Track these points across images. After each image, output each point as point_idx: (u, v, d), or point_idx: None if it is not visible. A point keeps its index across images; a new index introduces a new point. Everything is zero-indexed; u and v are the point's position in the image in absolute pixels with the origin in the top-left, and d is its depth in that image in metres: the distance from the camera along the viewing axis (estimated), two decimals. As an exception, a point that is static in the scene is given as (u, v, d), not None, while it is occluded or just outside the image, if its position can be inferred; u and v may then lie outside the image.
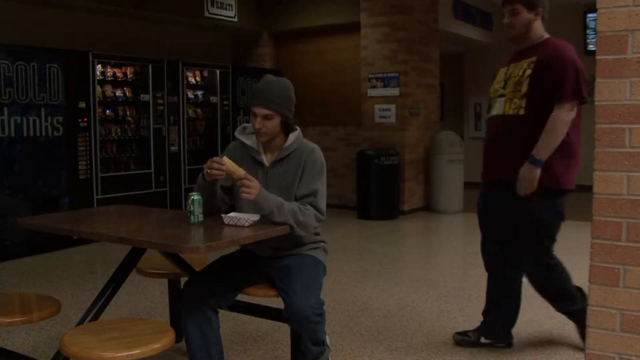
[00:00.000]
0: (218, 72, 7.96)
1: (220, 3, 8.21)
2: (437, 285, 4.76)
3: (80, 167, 6.25)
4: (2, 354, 2.87)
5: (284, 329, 3.58)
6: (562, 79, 2.90)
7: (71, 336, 2.23)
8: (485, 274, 5.09)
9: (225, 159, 2.63)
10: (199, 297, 2.67)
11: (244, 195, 2.56)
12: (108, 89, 6.74)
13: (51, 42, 6.35)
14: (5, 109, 5.60)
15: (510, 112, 3.04)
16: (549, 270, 3.22)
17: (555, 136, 2.91)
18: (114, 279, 2.74)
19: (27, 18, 6.69)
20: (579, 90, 2.91)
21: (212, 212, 2.77)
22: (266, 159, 2.78)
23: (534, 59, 3.00)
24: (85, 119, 6.28)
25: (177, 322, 3.49)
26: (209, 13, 8.05)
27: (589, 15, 10.24)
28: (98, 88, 6.49)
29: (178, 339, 3.46)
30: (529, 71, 2.99)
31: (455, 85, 12.26)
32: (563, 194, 3.08)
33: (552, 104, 2.93)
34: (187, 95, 7.58)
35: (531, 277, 3.29)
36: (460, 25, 9.55)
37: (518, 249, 3.21)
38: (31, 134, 5.80)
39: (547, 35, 3.10)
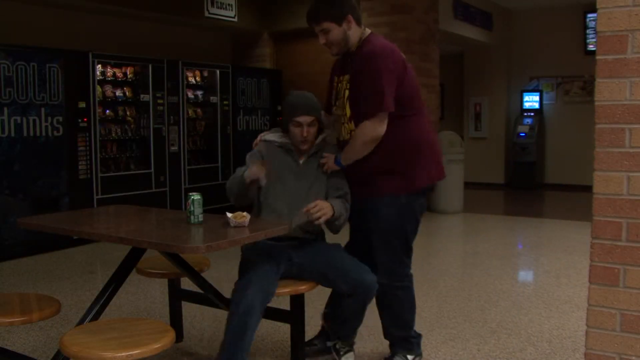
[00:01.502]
0: (218, 72, 7.96)
1: (220, 3, 8.21)
2: (437, 285, 4.76)
3: (80, 167, 6.25)
4: (2, 354, 2.87)
5: (284, 329, 3.58)
6: (368, 93, 2.76)
7: (71, 336, 2.23)
8: (486, 274, 5.10)
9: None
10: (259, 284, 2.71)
11: (322, 219, 2.75)
12: (108, 89, 6.74)
13: (51, 42, 6.35)
14: (5, 109, 5.59)
15: (347, 137, 2.90)
16: None
17: (355, 150, 2.82)
18: (114, 279, 2.74)
19: (27, 18, 6.69)
20: (380, 103, 2.74)
21: (243, 204, 2.95)
22: (298, 156, 3.00)
23: (347, 77, 2.88)
24: (85, 119, 6.28)
25: (177, 322, 3.50)
26: (209, 13, 8.05)
27: (589, 15, 10.25)
28: (98, 88, 6.49)
29: (178, 339, 3.47)
30: (347, 92, 2.87)
31: (455, 85, 12.27)
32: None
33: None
34: (187, 95, 7.58)
35: None
36: (460, 25, 9.55)
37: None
38: (31, 134, 5.80)
39: (366, 34, 2.91)
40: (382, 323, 3.15)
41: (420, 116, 2.94)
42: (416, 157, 2.90)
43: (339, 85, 2.96)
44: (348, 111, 2.87)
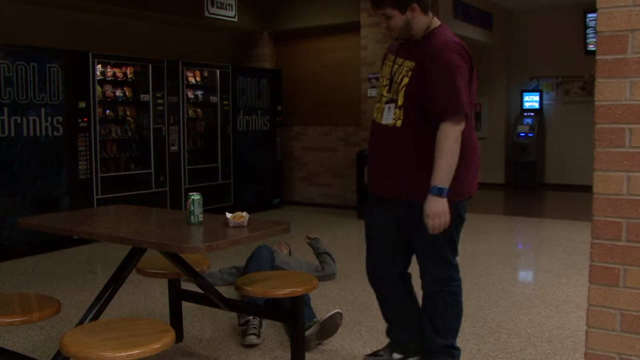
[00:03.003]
0: (218, 72, 7.95)
1: (220, 3, 8.20)
2: (437, 285, 4.76)
3: (80, 167, 6.25)
4: (2, 354, 2.87)
5: (284, 329, 3.58)
6: (443, 91, 2.60)
7: (71, 336, 2.23)
8: (486, 274, 5.08)
9: None
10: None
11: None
12: (108, 89, 6.74)
13: (51, 42, 6.35)
14: (5, 109, 5.59)
15: (392, 123, 2.74)
16: None
17: (452, 157, 2.59)
18: (114, 279, 2.74)
19: (27, 18, 6.69)
20: (457, 103, 2.58)
21: None
22: None
23: (413, 65, 2.69)
24: (85, 119, 6.28)
25: (177, 322, 3.49)
26: (209, 13, 8.05)
27: (589, 15, 10.24)
28: (98, 88, 6.49)
29: (178, 339, 3.47)
30: (406, 80, 2.69)
31: (455, 85, 12.25)
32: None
33: (425, 118, 2.65)
34: (187, 95, 7.58)
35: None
36: (460, 25, 9.54)
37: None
38: (31, 134, 5.80)
39: (434, 25, 2.75)
40: (426, 331, 2.98)
41: (472, 122, 2.79)
42: (471, 161, 2.77)
43: (395, 67, 2.77)
44: (401, 99, 2.69)
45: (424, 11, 2.71)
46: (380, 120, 2.81)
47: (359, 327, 3.78)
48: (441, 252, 2.84)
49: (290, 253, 4.85)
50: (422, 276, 2.92)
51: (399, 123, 2.71)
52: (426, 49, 2.69)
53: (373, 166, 2.90)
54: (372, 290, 4.55)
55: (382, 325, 3.79)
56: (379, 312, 4.01)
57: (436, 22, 2.77)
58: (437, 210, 2.58)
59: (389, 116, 2.76)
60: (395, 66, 2.78)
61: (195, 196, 2.70)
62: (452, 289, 2.92)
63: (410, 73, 2.68)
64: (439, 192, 2.58)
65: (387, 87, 2.79)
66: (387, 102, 2.78)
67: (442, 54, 2.64)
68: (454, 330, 2.96)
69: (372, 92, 8.14)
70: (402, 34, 2.73)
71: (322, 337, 3.42)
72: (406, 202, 2.76)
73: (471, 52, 2.75)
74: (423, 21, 2.71)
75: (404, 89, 2.68)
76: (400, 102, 2.70)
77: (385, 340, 3.54)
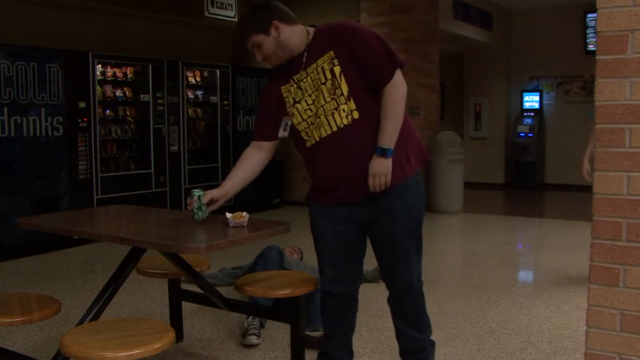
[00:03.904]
0: (218, 72, 7.96)
1: (220, 3, 8.21)
2: (437, 285, 4.76)
3: (80, 167, 6.25)
4: (2, 354, 2.87)
5: (284, 329, 3.58)
6: (375, 52, 2.47)
7: (71, 336, 2.23)
8: (486, 274, 5.07)
9: None
10: None
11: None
12: (108, 89, 6.74)
13: (51, 42, 6.35)
14: (5, 109, 5.59)
15: (346, 122, 2.51)
16: None
17: (400, 118, 2.51)
18: (114, 279, 2.74)
19: (27, 18, 6.69)
20: (397, 54, 2.50)
21: None
22: None
23: (331, 54, 2.50)
24: (85, 119, 6.28)
25: (177, 322, 3.49)
26: (209, 13, 8.05)
27: (589, 15, 10.25)
28: (98, 88, 6.49)
29: (178, 339, 3.47)
30: (337, 68, 2.49)
31: (455, 85, 12.27)
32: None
33: (374, 90, 2.50)
34: (187, 95, 7.58)
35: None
36: (460, 25, 9.55)
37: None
38: (31, 134, 5.80)
39: (310, 29, 2.61)
40: (407, 334, 2.84)
41: None
42: (410, 123, 2.65)
43: (308, 79, 2.56)
44: (345, 87, 2.49)
45: (290, 23, 2.56)
46: (326, 132, 2.55)
47: (359, 326, 3.76)
48: (420, 242, 2.73)
49: (301, 258, 4.83)
50: (405, 281, 2.74)
51: (355, 114, 2.50)
52: (331, 35, 2.55)
53: (334, 181, 2.63)
54: (372, 291, 4.58)
55: (381, 324, 3.80)
56: (379, 313, 4.02)
57: (309, 28, 2.62)
58: (382, 170, 2.49)
59: (324, 125, 2.54)
60: (308, 79, 2.57)
61: (200, 192, 2.67)
62: (422, 281, 2.81)
63: (335, 60, 2.50)
64: (388, 153, 2.49)
65: (314, 101, 2.57)
66: (318, 116, 2.57)
67: (353, 26, 2.54)
68: (428, 320, 2.89)
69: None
70: (280, 55, 2.58)
71: None
72: (376, 199, 2.58)
73: None
74: (295, 32, 2.57)
75: (342, 76, 2.49)
76: (346, 92, 2.49)
77: (384, 340, 3.54)
